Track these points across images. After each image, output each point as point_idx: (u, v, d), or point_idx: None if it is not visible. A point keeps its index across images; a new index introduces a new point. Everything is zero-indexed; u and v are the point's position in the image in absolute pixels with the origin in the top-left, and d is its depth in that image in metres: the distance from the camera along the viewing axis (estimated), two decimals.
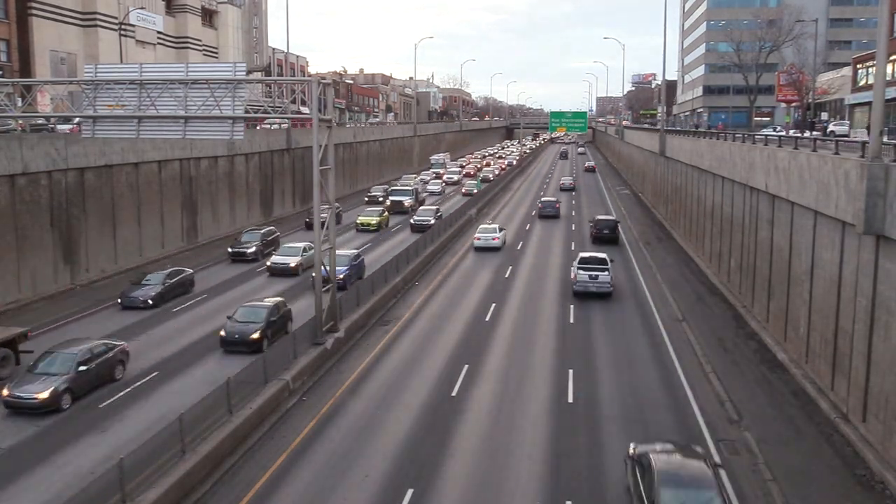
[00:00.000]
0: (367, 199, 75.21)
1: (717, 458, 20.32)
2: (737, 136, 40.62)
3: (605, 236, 54.53)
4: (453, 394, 25.69)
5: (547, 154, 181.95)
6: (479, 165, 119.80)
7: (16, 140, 36.23)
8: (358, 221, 60.58)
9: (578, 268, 38.62)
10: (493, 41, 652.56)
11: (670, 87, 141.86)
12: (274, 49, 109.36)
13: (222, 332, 29.80)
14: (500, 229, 53.65)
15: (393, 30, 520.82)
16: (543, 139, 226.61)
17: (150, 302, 36.01)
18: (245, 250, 47.49)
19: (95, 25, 69.71)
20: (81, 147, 39.75)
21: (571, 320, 34.76)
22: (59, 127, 44.87)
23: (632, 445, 19.06)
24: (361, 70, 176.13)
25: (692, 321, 34.45)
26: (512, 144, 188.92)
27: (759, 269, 32.95)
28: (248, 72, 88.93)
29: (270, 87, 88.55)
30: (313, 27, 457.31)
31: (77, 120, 39.55)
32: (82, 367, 24.69)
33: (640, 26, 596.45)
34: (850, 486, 19.33)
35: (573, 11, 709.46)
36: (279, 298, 32.90)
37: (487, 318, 34.86)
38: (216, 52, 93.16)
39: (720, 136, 45.16)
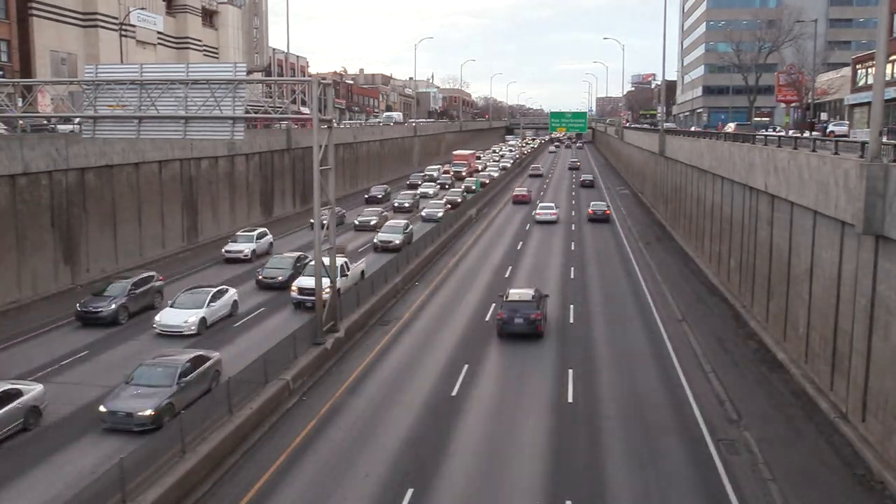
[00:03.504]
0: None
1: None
2: (736, 136, 40.65)
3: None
4: (453, 393, 25.72)
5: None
6: None
7: (16, 140, 36.27)
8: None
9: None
10: (478, 44, 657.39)
11: (670, 87, 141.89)
12: (274, 49, 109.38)
13: None
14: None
15: (378, 35, 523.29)
16: (542, 139, 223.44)
17: None
18: (99, 311, 32.71)
19: (96, 26, 69.72)
20: (82, 147, 39.78)
21: (571, 320, 34.78)
22: (60, 127, 44.88)
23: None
24: (361, 70, 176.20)
25: (692, 321, 34.48)
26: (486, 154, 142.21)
27: (759, 269, 32.98)
28: (249, 72, 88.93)
29: (271, 88, 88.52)
30: (301, 31, 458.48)
31: (78, 120, 39.57)
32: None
33: (623, 29, 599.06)
34: (849, 486, 19.35)
35: (554, 15, 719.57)
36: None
37: (487, 318, 34.88)
38: (216, 53, 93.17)
39: (720, 136, 45.18)
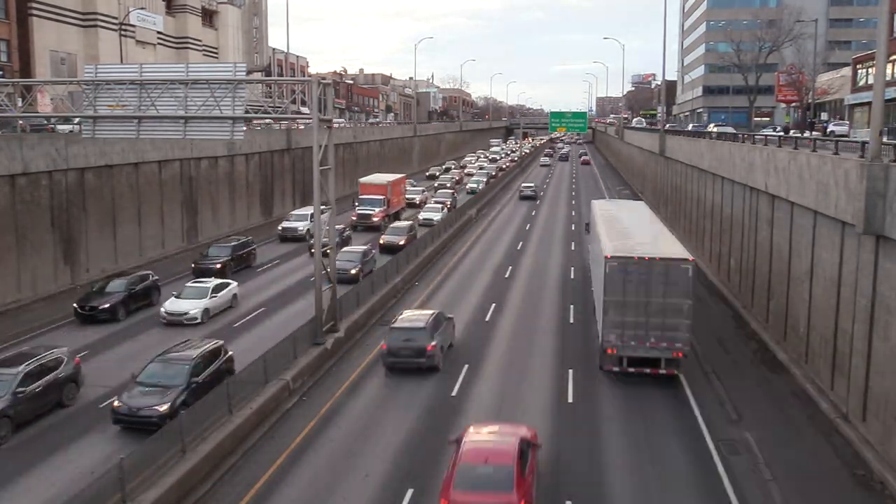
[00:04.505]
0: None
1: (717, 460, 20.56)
2: (737, 136, 40.66)
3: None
4: (453, 393, 25.70)
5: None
6: None
7: (16, 140, 36.26)
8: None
9: None
10: (474, 45, 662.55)
11: (670, 87, 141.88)
12: (274, 49, 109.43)
13: None
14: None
15: (373, 36, 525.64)
16: (540, 141, 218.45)
17: None
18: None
19: (95, 25, 69.77)
20: (81, 147, 39.77)
21: (571, 320, 34.76)
22: (60, 127, 44.88)
23: None
24: (361, 70, 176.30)
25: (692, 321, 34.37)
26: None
27: (759, 269, 32.96)
28: (248, 72, 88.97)
29: (270, 88, 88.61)
30: (299, 32, 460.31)
31: (77, 120, 39.56)
32: None
33: (622, 29, 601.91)
34: (849, 487, 19.35)
35: (548, 17, 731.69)
36: None
37: (487, 319, 34.87)
38: (216, 53, 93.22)
39: (719, 136, 45.17)
